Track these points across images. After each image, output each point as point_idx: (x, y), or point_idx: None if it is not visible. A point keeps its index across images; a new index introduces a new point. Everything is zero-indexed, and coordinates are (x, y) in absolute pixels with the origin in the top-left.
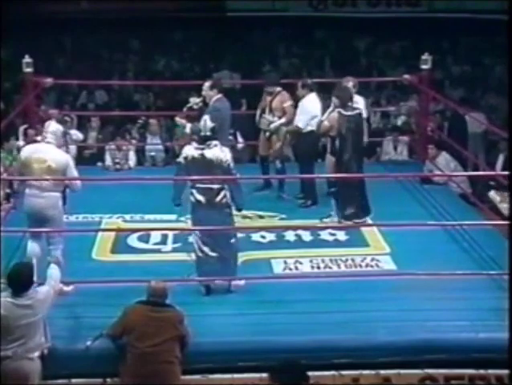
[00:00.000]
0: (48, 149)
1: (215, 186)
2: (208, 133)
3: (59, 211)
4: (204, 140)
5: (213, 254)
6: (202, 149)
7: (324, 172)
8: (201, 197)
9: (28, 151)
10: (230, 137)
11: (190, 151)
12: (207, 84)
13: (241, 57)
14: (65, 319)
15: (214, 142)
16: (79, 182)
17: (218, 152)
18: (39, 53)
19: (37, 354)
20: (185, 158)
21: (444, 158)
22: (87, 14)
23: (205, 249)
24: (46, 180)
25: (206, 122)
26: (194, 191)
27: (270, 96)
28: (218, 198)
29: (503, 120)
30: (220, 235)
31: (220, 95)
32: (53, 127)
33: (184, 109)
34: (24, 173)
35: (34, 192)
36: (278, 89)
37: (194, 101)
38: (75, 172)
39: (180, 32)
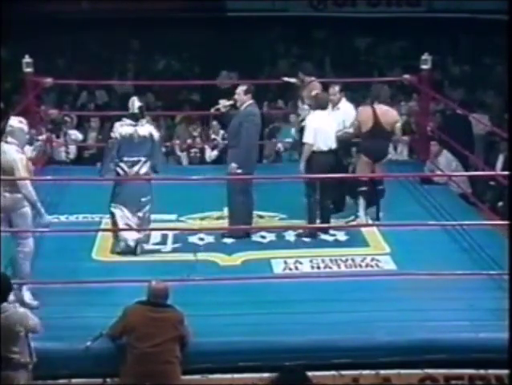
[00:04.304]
0: (4, 149)
1: (142, 159)
2: (136, 111)
3: (17, 214)
4: (135, 119)
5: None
6: (135, 126)
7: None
8: (129, 170)
9: None
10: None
11: (124, 128)
12: (242, 88)
13: (241, 57)
14: (65, 319)
15: (145, 120)
16: (28, 185)
17: (151, 129)
18: (39, 53)
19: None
20: (121, 135)
21: (445, 157)
22: (87, 14)
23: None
24: (48, 179)
25: (134, 102)
26: (122, 164)
27: (302, 84)
28: (144, 170)
29: (498, 119)
30: (138, 199)
31: (252, 101)
32: (10, 126)
33: (212, 110)
34: None
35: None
36: (310, 78)
37: (224, 103)
38: (22, 174)
39: (180, 32)
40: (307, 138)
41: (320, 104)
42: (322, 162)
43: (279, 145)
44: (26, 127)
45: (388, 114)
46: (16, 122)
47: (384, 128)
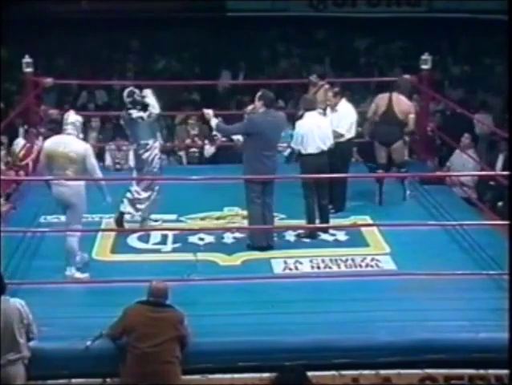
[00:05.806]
0: (68, 140)
1: (142, 141)
2: (128, 99)
3: (81, 199)
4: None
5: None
6: (128, 109)
7: None
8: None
9: (51, 144)
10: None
11: (124, 113)
12: (257, 94)
13: (241, 57)
14: (65, 319)
15: (131, 105)
16: (99, 170)
17: (140, 114)
18: (39, 53)
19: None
20: (123, 117)
21: (473, 164)
22: (87, 14)
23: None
24: (48, 179)
25: (127, 92)
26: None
27: (314, 87)
28: (146, 155)
29: (499, 119)
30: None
31: (265, 109)
32: (72, 118)
33: (246, 115)
34: (49, 164)
35: (58, 181)
36: (322, 82)
37: (250, 108)
38: (93, 161)
39: (180, 32)
40: (293, 142)
41: (308, 106)
42: (311, 164)
43: None
44: (81, 120)
45: (401, 103)
46: (74, 115)
47: (396, 115)
